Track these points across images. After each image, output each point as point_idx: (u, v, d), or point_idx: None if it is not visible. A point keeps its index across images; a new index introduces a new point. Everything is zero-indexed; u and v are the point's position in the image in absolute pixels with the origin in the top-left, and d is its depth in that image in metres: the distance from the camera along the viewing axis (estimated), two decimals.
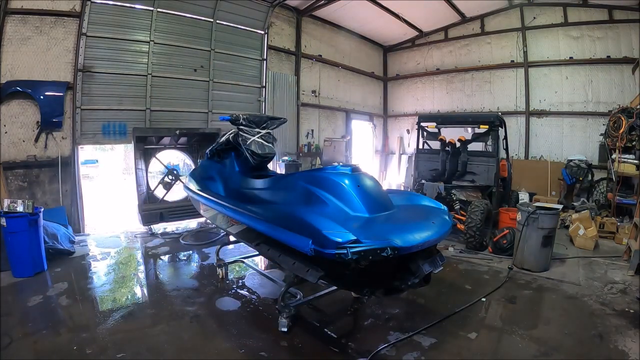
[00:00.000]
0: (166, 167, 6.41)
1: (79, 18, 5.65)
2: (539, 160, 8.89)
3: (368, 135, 11.98)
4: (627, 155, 6.57)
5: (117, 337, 2.92)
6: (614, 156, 6.71)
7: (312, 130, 9.70)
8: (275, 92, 8.53)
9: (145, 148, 6.26)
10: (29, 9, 5.28)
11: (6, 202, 4.15)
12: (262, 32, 8.22)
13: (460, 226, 5.43)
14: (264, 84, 8.34)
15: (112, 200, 8.62)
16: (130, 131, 6.10)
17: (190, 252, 5.21)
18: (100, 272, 4.41)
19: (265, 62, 8.32)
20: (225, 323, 3.22)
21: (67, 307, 3.45)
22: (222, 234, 5.63)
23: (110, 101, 6.18)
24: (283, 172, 7.71)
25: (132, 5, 6.23)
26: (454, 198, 5.91)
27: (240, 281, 4.20)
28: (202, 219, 6.44)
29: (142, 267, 4.79)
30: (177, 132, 6.21)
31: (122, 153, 10.65)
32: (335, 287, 3.18)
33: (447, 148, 6.33)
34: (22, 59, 5.28)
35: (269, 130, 4.15)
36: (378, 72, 11.92)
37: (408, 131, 11.54)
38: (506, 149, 6.88)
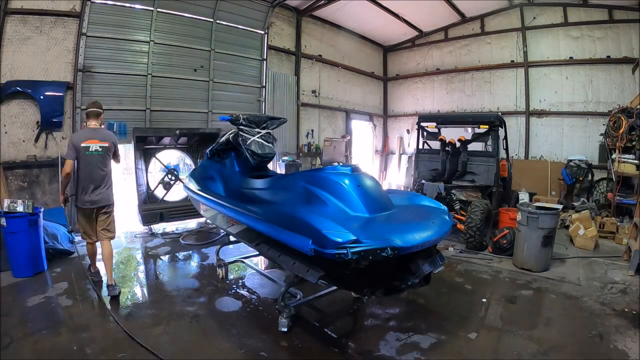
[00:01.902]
0: (166, 167, 6.41)
1: (79, 18, 5.66)
2: (539, 160, 8.89)
3: (368, 135, 11.98)
4: (627, 155, 6.57)
5: (117, 337, 2.92)
6: (614, 156, 6.71)
7: (312, 130, 9.70)
8: (275, 92, 8.54)
9: (145, 148, 6.26)
10: (29, 9, 5.28)
11: (6, 202, 4.15)
12: (262, 32, 8.22)
13: (460, 226, 5.43)
14: (264, 84, 8.34)
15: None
16: (130, 131, 6.10)
17: (190, 252, 5.20)
18: (100, 272, 4.40)
19: (265, 62, 8.32)
20: (225, 323, 3.22)
21: (67, 307, 3.45)
22: (222, 234, 5.63)
23: (110, 101, 6.17)
24: (283, 172, 7.71)
25: (132, 5, 6.23)
26: (454, 198, 5.91)
27: (240, 281, 4.20)
28: (202, 219, 6.44)
29: (142, 267, 4.78)
30: (177, 132, 6.22)
31: (122, 153, 10.65)
32: (335, 287, 3.18)
33: (447, 148, 6.33)
34: (22, 59, 5.29)
35: (269, 130, 4.15)
36: (378, 72, 11.92)
37: (408, 131, 11.54)
38: (506, 149, 6.88)
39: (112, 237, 3.95)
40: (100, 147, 3.69)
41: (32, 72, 5.35)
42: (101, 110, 3.84)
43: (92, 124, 3.79)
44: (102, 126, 3.96)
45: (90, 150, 3.64)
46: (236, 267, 4.60)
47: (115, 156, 3.96)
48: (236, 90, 7.91)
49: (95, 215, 3.80)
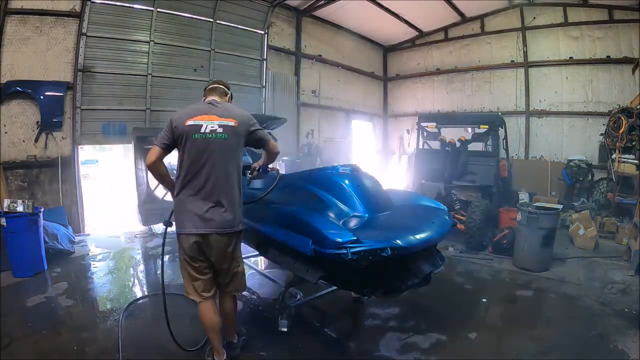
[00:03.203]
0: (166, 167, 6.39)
1: (79, 18, 5.65)
2: (539, 160, 8.89)
3: (368, 135, 11.97)
4: (627, 155, 6.56)
5: (117, 337, 2.91)
6: (614, 156, 6.70)
7: (312, 130, 9.69)
8: (275, 92, 8.53)
9: (146, 148, 6.25)
10: (29, 9, 5.27)
11: (6, 202, 4.16)
12: (262, 32, 8.22)
13: (460, 226, 5.42)
14: (264, 84, 8.33)
15: (112, 200, 8.60)
16: (130, 131, 6.10)
17: None
18: (100, 272, 4.41)
19: (265, 62, 8.31)
20: None
21: (67, 307, 3.45)
22: None
23: (110, 101, 6.18)
24: (283, 172, 7.70)
25: (132, 5, 6.22)
26: (454, 198, 5.90)
27: None
28: None
29: (142, 267, 4.78)
30: None
31: (122, 153, 10.63)
32: (335, 287, 3.18)
33: (447, 148, 6.33)
34: (22, 59, 5.27)
35: (269, 130, 4.16)
36: (378, 72, 11.91)
37: (408, 131, 11.48)
38: (506, 149, 6.87)
39: (239, 290, 2.60)
40: (220, 125, 2.19)
41: (32, 72, 5.34)
42: (228, 90, 2.57)
43: (211, 98, 2.41)
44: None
45: (202, 131, 2.17)
46: None
47: (260, 145, 2.45)
48: (236, 90, 7.80)
49: (212, 248, 2.38)
